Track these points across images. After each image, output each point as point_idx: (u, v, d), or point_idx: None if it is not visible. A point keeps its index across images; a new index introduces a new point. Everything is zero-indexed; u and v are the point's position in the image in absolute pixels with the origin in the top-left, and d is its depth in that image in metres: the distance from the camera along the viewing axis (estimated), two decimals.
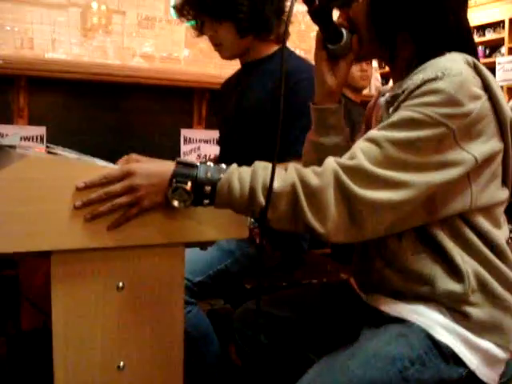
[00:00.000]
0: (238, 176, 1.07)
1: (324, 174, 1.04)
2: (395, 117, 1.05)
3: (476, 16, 6.95)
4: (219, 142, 2.29)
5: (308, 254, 2.14)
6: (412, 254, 1.13)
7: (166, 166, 1.11)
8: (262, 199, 1.04)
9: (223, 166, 1.11)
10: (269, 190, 1.03)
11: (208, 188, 1.07)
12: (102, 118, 2.99)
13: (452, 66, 1.04)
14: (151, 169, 1.12)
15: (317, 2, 1.13)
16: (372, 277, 1.23)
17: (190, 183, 1.06)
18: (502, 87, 6.66)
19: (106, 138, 2.96)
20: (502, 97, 1.07)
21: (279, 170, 1.06)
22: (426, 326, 1.10)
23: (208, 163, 1.12)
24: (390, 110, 1.12)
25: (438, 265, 1.12)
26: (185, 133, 3.11)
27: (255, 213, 1.06)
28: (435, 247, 1.12)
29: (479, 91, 1.04)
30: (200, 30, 2.00)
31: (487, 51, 7.29)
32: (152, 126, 3.08)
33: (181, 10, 1.94)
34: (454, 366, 1.08)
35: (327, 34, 1.22)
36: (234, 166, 1.11)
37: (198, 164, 1.10)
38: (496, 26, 7.08)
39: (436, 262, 1.12)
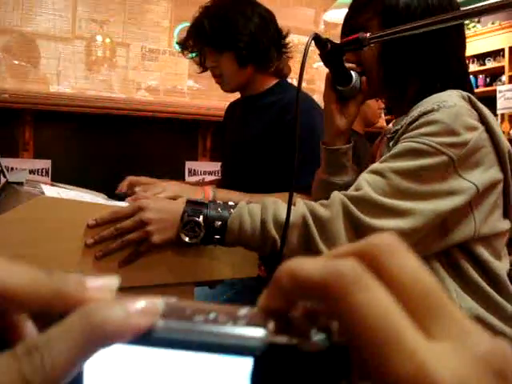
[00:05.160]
0: (248, 211, 1.08)
1: (332, 205, 1.06)
2: (396, 149, 1.08)
3: (476, 45, 7.02)
4: (221, 170, 2.34)
5: None
6: None
7: (177, 203, 1.12)
8: (273, 231, 1.05)
9: (231, 202, 1.12)
10: (285, 223, 1.03)
11: (218, 223, 1.07)
12: (107, 151, 2.99)
13: (447, 99, 1.08)
14: (162, 205, 1.13)
15: (329, 46, 1.15)
16: None
17: (201, 217, 1.07)
18: (503, 115, 6.70)
19: (111, 171, 2.95)
20: (498, 129, 1.10)
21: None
22: None
23: (217, 201, 1.12)
24: (391, 144, 1.16)
25: None
26: (189, 165, 3.12)
27: (267, 247, 1.07)
28: None
29: (475, 123, 1.07)
30: (202, 64, 2.04)
31: (487, 80, 7.34)
32: (157, 159, 3.08)
33: (184, 44, 1.99)
34: None
35: (337, 76, 1.24)
36: (243, 202, 1.12)
37: (208, 202, 1.11)
38: (496, 54, 7.14)
39: None
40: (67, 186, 1.93)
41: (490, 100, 6.78)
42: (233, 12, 1.89)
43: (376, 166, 1.09)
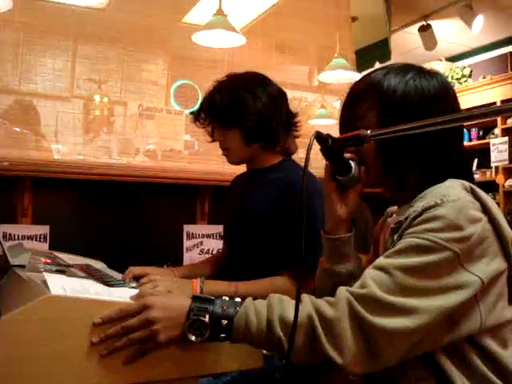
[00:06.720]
0: (255, 310, 1.09)
1: (338, 304, 1.06)
2: (401, 244, 1.09)
3: (468, 99, 7.11)
4: (224, 238, 2.38)
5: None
6: (415, 381, 1.13)
7: (183, 300, 1.13)
8: (279, 332, 1.06)
9: (238, 299, 1.14)
10: (293, 326, 1.04)
11: (225, 322, 1.08)
12: (105, 217, 3.00)
13: (450, 192, 1.10)
14: (168, 302, 1.13)
15: (330, 142, 1.18)
16: None
17: (207, 316, 1.08)
18: (497, 168, 6.76)
19: (109, 236, 2.96)
20: (501, 218, 1.11)
21: (293, 301, 1.08)
22: None
23: (223, 297, 1.13)
24: (395, 237, 1.17)
25: None
26: (187, 228, 3.13)
27: (273, 347, 1.08)
28: (438, 374, 1.11)
29: (478, 214, 1.09)
30: (212, 135, 2.10)
31: (480, 133, 7.43)
32: (155, 223, 3.09)
33: (197, 116, 2.07)
34: None
35: (336, 167, 1.28)
36: (250, 299, 1.13)
37: (214, 298, 1.12)
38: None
39: None
40: (64, 257, 1.93)
41: (483, 153, 6.88)
42: (243, 91, 1.94)
43: (381, 261, 1.10)
